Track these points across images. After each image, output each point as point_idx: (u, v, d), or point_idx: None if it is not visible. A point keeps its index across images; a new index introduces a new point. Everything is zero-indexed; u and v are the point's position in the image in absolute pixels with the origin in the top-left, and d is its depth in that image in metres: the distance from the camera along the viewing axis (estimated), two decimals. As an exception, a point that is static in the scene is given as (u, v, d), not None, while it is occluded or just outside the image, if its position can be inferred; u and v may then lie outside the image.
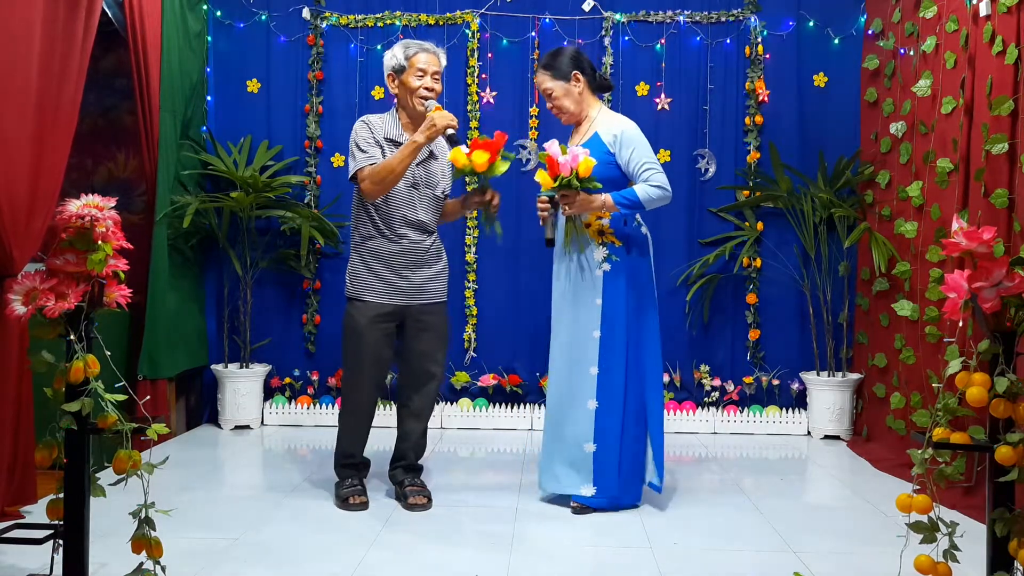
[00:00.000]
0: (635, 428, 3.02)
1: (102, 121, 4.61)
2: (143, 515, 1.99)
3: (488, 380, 4.54)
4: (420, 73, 2.98)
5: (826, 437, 4.28)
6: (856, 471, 3.69)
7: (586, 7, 4.55)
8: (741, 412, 4.44)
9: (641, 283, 3.03)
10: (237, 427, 4.36)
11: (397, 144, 3.00)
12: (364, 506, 3.01)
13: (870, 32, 4.36)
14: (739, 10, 4.52)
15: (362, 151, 2.96)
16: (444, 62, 3.08)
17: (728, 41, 4.53)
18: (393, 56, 3.01)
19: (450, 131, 2.91)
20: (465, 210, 3.20)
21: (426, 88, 2.98)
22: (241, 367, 4.40)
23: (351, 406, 3.08)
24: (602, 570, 2.46)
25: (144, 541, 1.99)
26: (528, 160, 4.57)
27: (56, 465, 2.01)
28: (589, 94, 3.09)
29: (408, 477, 3.13)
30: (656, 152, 4.45)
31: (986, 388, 1.80)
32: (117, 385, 2.03)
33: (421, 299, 3.04)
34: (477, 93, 4.57)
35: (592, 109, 3.10)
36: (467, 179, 2.95)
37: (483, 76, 4.58)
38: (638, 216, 3.07)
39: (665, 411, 3.13)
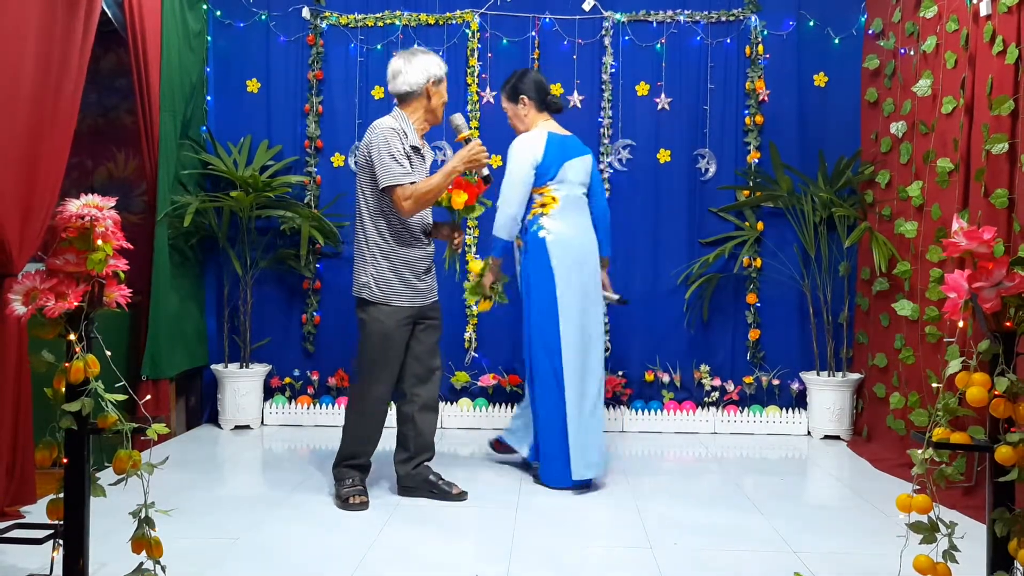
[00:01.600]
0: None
1: (102, 121, 4.61)
2: (143, 515, 1.99)
3: (488, 380, 4.54)
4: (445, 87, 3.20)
5: (826, 437, 4.28)
6: (856, 471, 3.69)
7: (586, 7, 4.54)
8: (741, 412, 4.44)
9: (532, 282, 3.34)
10: (237, 427, 4.36)
11: (417, 151, 3.10)
12: (365, 506, 3.02)
13: (870, 32, 4.36)
14: (739, 10, 4.52)
15: (399, 164, 2.98)
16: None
17: (728, 41, 4.53)
18: (438, 66, 3.14)
19: (485, 171, 3.10)
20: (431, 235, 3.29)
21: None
22: (241, 367, 4.40)
23: (370, 408, 3.09)
24: (602, 570, 2.46)
25: (144, 541, 1.99)
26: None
27: (56, 465, 2.01)
28: (536, 114, 3.44)
29: (436, 472, 3.19)
30: (656, 152, 4.52)
31: (986, 388, 1.80)
32: (117, 385, 2.02)
33: (431, 298, 3.18)
34: (477, 93, 4.57)
35: (534, 128, 3.43)
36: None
37: (483, 76, 4.58)
38: (540, 221, 3.34)
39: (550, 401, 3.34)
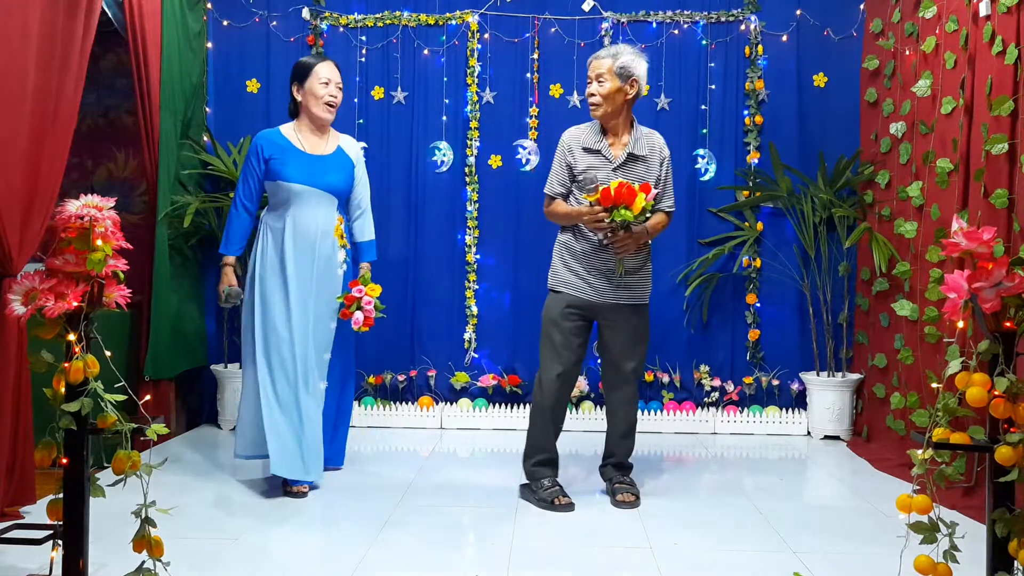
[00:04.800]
0: (336, 406, 3.48)
1: (102, 121, 4.61)
2: (144, 515, 1.98)
3: (488, 380, 4.54)
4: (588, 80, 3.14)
5: (826, 437, 4.28)
6: (856, 471, 3.69)
7: (586, 7, 4.55)
8: (741, 412, 4.44)
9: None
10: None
11: (592, 152, 3.10)
12: (571, 507, 3.01)
13: (870, 32, 4.36)
14: (739, 10, 4.52)
15: (553, 175, 3.18)
16: (612, 66, 3.09)
17: (728, 41, 4.53)
18: (642, 65, 3.10)
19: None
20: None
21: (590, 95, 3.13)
22: (241, 368, 4.39)
23: (539, 395, 3.15)
24: (602, 570, 2.46)
25: (145, 541, 1.99)
26: (528, 160, 4.56)
27: (55, 465, 2.01)
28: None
29: (617, 474, 3.19)
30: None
31: (986, 388, 1.80)
32: (117, 385, 2.02)
33: (608, 298, 3.10)
34: (477, 93, 4.57)
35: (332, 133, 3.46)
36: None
37: (483, 76, 4.58)
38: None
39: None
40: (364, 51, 4.59)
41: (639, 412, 4.41)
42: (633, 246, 3.03)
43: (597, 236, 3.06)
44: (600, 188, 2.95)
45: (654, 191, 3.01)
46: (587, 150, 3.12)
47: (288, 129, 3.34)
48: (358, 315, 3.27)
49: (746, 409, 4.47)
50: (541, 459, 3.14)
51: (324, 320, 3.28)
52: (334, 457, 3.48)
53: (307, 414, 3.16)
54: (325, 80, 3.28)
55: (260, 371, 3.18)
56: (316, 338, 3.25)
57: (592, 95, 3.09)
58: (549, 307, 3.15)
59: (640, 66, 3.09)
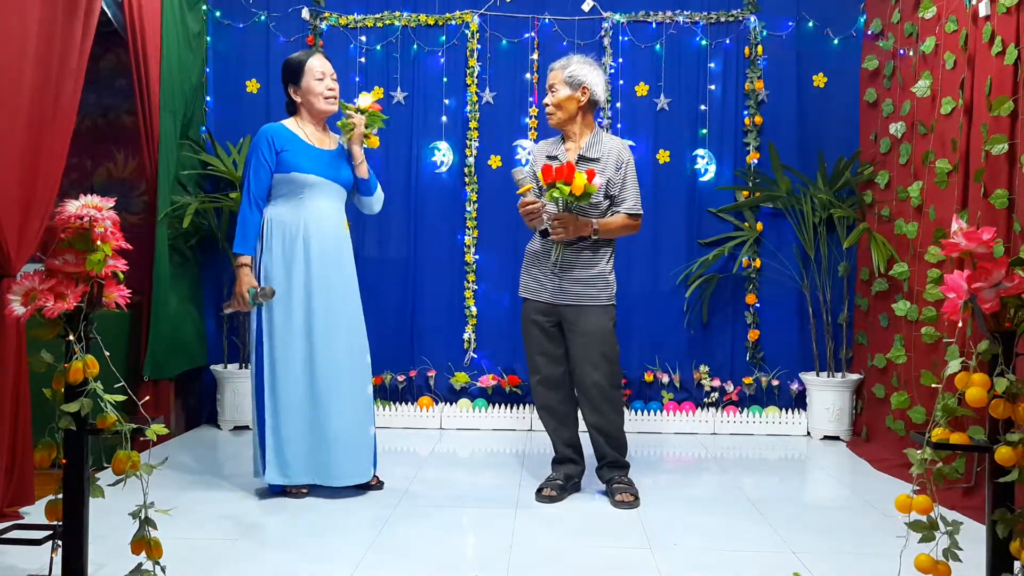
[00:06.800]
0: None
1: (102, 121, 4.61)
2: (143, 515, 1.98)
3: (488, 381, 4.54)
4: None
5: (825, 438, 4.28)
6: (856, 471, 3.69)
7: (585, 7, 4.55)
8: (740, 412, 4.44)
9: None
10: (236, 428, 4.35)
11: (552, 159, 3.17)
12: (546, 499, 3.12)
13: (869, 32, 4.36)
14: (738, 10, 4.52)
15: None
16: (561, 76, 3.14)
17: (727, 41, 4.53)
18: (594, 73, 3.14)
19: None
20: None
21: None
22: (240, 368, 4.39)
23: (536, 400, 3.27)
24: (602, 570, 2.45)
25: (144, 542, 1.99)
26: (527, 161, 4.56)
27: (55, 465, 2.01)
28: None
29: (615, 475, 3.19)
30: (655, 152, 4.52)
31: (985, 388, 1.80)
32: (116, 386, 2.02)
33: (566, 300, 3.12)
34: (476, 93, 4.57)
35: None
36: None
37: (483, 76, 4.58)
38: None
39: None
40: (364, 51, 4.59)
41: (638, 412, 4.43)
42: (571, 230, 3.00)
43: (546, 222, 3.05)
44: (521, 181, 3.07)
45: (601, 180, 3.04)
46: (549, 157, 3.20)
47: (291, 124, 3.27)
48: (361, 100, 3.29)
49: (746, 409, 4.47)
50: (553, 456, 3.31)
51: (336, 312, 3.11)
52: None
53: (351, 418, 3.12)
54: (320, 76, 3.22)
55: (267, 373, 3.08)
56: (330, 333, 3.09)
57: (546, 104, 3.18)
58: (522, 315, 3.26)
59: (591, 74, 3.13)
